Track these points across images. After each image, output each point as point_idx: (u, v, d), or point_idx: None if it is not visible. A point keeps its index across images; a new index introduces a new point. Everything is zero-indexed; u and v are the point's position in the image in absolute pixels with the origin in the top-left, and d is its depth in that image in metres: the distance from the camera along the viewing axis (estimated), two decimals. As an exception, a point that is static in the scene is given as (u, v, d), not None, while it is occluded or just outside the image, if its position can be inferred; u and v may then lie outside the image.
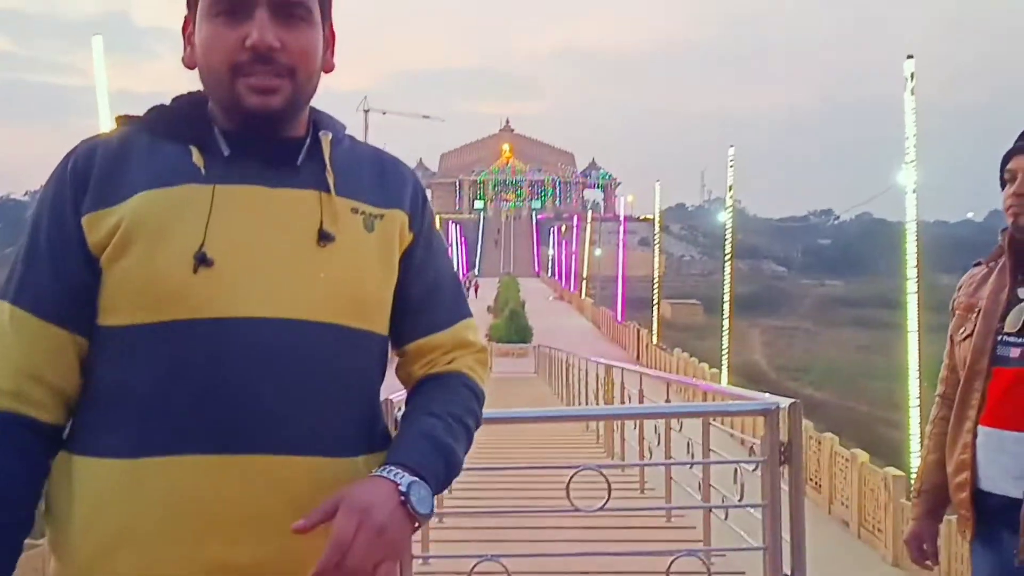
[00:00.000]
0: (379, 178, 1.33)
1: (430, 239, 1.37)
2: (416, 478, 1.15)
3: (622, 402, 9.88)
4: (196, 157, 1.23)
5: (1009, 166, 2.19)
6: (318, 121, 1.32)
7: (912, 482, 11.27)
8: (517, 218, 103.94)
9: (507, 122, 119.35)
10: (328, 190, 1.25)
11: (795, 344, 48.77)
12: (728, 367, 21.26)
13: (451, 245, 56.58)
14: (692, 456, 5.36)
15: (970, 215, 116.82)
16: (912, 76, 12.33)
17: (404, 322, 1.33)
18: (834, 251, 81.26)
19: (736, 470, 3.83)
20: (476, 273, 69.79)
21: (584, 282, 54.55)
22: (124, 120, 1.31)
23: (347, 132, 1.36)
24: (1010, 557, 2.08)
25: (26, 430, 1.20)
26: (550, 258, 75.99)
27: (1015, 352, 2.13)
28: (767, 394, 3.80)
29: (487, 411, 1.41)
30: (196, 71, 1.27)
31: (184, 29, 1.29)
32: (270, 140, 1.25)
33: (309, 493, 1.16)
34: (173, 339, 1.18)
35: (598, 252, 55.24)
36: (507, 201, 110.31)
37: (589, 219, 62.37)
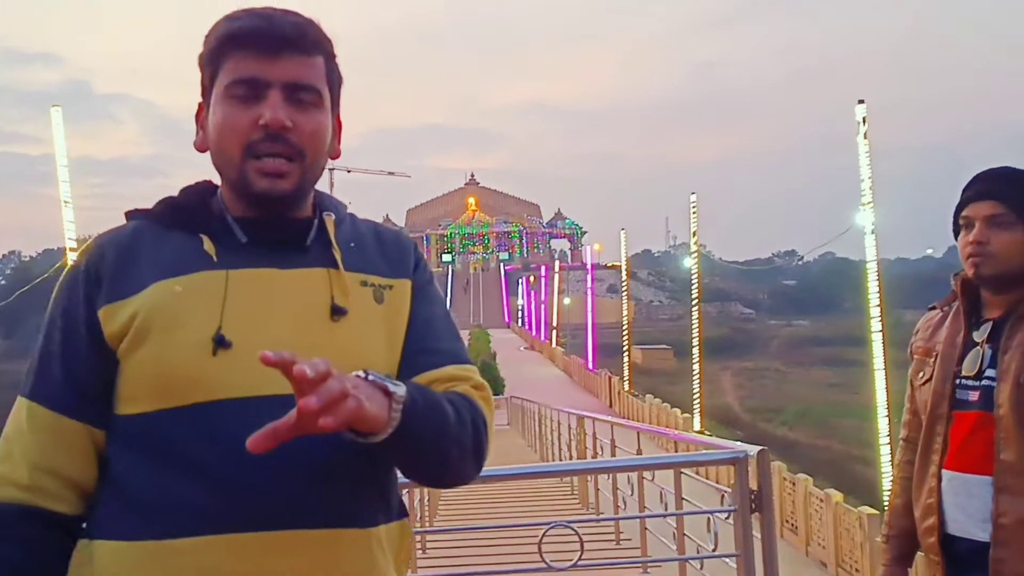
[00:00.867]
0: (382, 249, 1.37)
1: (427, 292, 1.39)
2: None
3: (595, 453, 9.84)
4: (207, 245, 1.27)
5: (965, 213, 2.19)
6: (320, 203, 1.36)
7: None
8: (485, 269, 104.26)
9: (472, 176, 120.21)
10: (336, 266, 1.29)
11: (766, 385, 49.04)
12: (700, 411, 21.30)
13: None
14: (665, 506, 5.33)
15: (930, 251, 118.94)
16: (864, 120, 12.63)
17: (400, 369, 1.32)
18: (800, 291, 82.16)
19: (709, 519, 3.82)
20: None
21: (554, 331, 54.61)
22: (133, 214, 1.34)
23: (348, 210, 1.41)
24: None
25: (40, 522, 1.22)
26: (519, 308, 76.09)
27: (973, 395, 2.15)
28: (738, 442, 3.80)
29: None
30: (208, 154, 1.31)
31: (197, 116, 1.34)
32: (281, 224, 1.29)
33: (336, 564, 1.20)
34: (194, 422, 1.19)
35: (567, 301, 55.41)
36: (474, 253, 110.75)
37: (557, 268, 62.54)
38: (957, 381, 2.18)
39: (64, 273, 1.31)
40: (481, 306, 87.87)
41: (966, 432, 2.15)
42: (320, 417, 1.02)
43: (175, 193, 1.35)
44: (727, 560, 3.48)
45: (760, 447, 3.16)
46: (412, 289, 1.37)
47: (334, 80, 1.33)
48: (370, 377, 1.12)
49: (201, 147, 1.32)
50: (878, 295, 12.84)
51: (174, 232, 1.29)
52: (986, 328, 2.17)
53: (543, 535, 3.10)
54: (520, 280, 79.00)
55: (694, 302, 22.98)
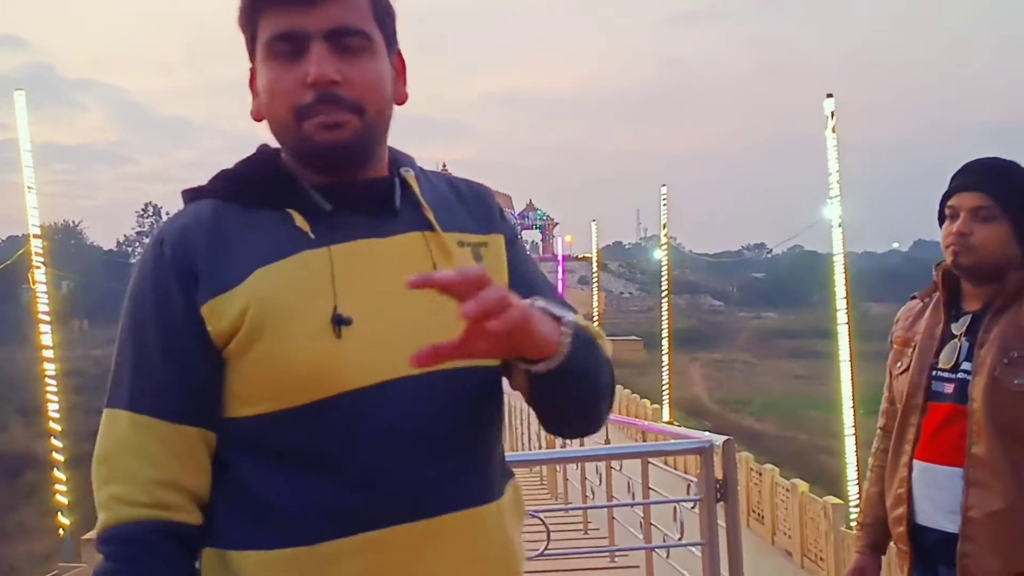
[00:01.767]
0: (465, 204, 1.27)
1: (518, 246, 1.31)
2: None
3: (563, 444, 9.86)
4: (300, 221, 1.16)
5: (951, 202, 2.18)
6: (395, 159, 1.25)
7: (852, 510, 11.44)
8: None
9: (443, 166, 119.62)
10: (432, 228, 1.20)
11: (735, 376, 49.42)
12: (669, 402, 21.44)
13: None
14: (633, 495, 5.37)
15: (896, 245, 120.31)
16: (832, 114, 12.73)
17: None
18: (768, 284, 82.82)
19: (676, 508, 3.85)
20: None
21: (525, 322, 54.37)
22: (194, 193, 1.23)
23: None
24: None
25: (171, 537, 1.13)
26: (490, 299, 75.46)
27: (948, 388, 2.15)
28: (705, 433, 3.83)
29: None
30: (266, 123, 1.20)
31: (251, 83, 1.22)
32: (363, 187, 1.19)
33: (482, 543, 1.15)
34: (323, 419, 1.11)
35: (538, 292, 55.16)
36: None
37: (528, 259, 62.31)
38: (933, 373, 2.19)
39: (140, 268, 1.19)
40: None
41: (938, 424, 2.16)
42: (485, 321, 0.97)
43: (227, 167, 1.23)
44: (692, 549, 3.51)
45: (726, 437, 3.19)
46: (504, 243, 1.27)
47: (383, 14, 1.19)
48: (537, 303, 1.07)
49: (257, 116, 1.20)
50: (845, 288, 12.98)
51: (256, 210, 1.17)
52: (965, 320, 2.17)
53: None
54: (491, 271, 78.28)
55: (664, 294, 23.09)
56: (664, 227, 23.22)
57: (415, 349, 1.03)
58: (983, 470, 2.06)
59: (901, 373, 2.28)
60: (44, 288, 12.12)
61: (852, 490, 11.61)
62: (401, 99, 1.24)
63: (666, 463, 8.10)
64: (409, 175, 1.23)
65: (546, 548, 3.17)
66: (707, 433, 3.64)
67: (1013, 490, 2.03)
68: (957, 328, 2.18)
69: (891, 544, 2.35)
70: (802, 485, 10.89)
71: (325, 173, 1.18)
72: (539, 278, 1.30)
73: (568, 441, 9.84)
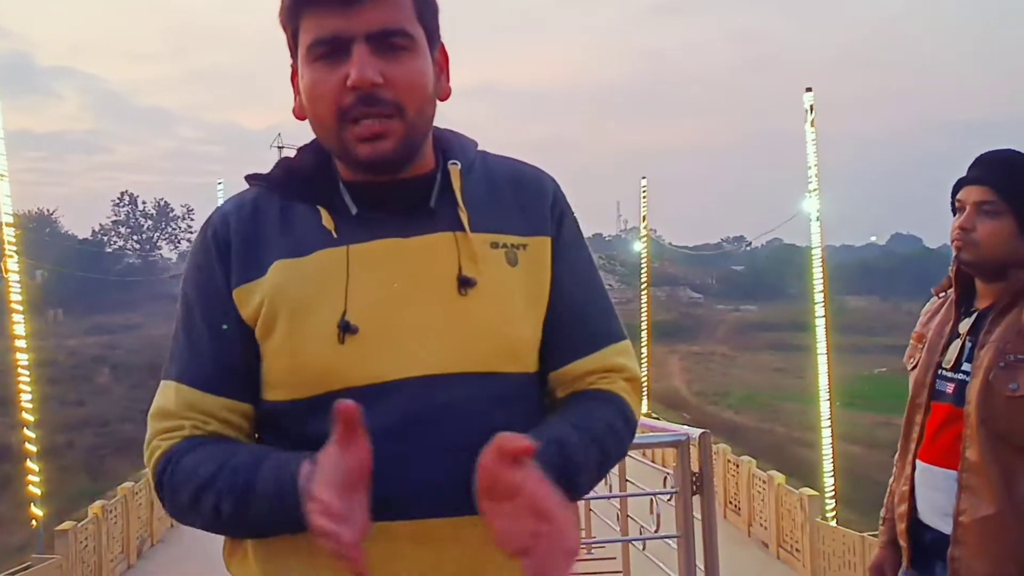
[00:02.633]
0: (520, 199, 1.24)
1: (571, 253, 1.25)
2: None
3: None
4: (326, 219, 1.17)
5: (959, 196, 2.14)
6: (447, 149, 1.23)
7: (827, 502, 11.53)
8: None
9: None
10: (463, 229, 1.17)
11: (713, 369, 49.73)
12: (648, 394, 21.52)
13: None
14: (610, 488, 5.37)
15: (873, 239, 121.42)
16: (812, 108, 12.79)
17: (545, 348, 1.22)
18: (747, 277, 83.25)
19: (652, 501, 3.85)
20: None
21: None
22: (254, 178, 1.25)
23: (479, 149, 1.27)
24: None
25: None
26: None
27: (949, 388, 2.12)
28: (682, 426, 3.83)
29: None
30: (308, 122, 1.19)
31: (292, 80, 1.21)
32: (400, 185, 1.18)
33: (487, 553, 1.11)
34: (328, 411, 1.09)
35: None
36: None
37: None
38: (938, 372, 2.16)
39: (193, 247, 1.23)
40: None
41: (939, 424, 2.14)
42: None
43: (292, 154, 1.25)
44: (669, 541, 3.51)
45: (702, 430, 3.18)
46: (552, 248, 1.23)
47: (425, 9, 1.18)
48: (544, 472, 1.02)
49: (299, 115, 1.20)
50: (823, 281, 13.05)
51: (293, 203, 1.20)
52: (971, 319, 2.13)
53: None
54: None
55: (643, 286, 23.15)
56: (644, 219, 23.27)
57: (420, 353, 1.11)
58: (975, 475, 2.02)
59: (912, 369, 2.26)
60: (17, 277, 11.97)
61: (828, 482, 11.70)
62: (444, 95, 1.23)
63: (644, 455, 8.11)
64: (454, 169, 1.21)
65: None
66: (684, 426, 3.63)
67: (1003, 496, 1.99)
68: (963, 327, 2.14)
69: None
70: (779, 477, 10.97)
71: (367, 176, 1.19)
72: (582, 294, 1.25)
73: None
